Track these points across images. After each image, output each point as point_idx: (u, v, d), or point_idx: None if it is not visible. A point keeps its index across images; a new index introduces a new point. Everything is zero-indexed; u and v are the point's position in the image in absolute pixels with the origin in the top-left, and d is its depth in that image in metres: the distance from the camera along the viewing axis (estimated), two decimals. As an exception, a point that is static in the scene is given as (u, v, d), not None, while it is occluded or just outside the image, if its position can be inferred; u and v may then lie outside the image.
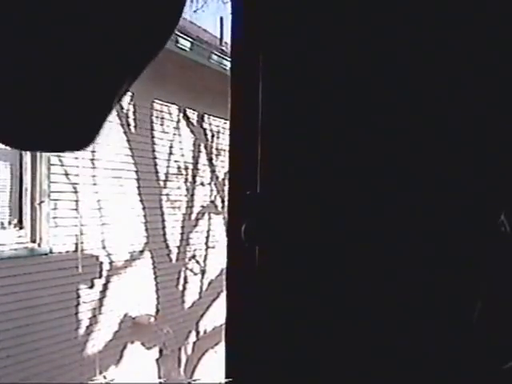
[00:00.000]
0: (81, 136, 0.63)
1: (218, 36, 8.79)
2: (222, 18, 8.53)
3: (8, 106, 0.59)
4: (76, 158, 6.68)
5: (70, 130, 0.62)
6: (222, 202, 9.75)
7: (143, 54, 0.63)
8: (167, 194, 8.60)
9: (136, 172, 7.81)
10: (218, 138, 9.68)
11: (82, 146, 0.65)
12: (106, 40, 0.59)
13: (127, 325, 7.69)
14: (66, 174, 6.66)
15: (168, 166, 8.55)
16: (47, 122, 0.60)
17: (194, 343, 9.24)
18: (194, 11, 9.21)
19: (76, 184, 6.78)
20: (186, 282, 9.04)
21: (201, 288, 9.35)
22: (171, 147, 8.55)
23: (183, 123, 8.82)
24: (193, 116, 9.04)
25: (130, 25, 0.60)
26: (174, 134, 8.61)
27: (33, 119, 0.60)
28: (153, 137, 8.13)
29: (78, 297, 6.88)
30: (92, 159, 6.96)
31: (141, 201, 7.97)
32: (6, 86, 0.58)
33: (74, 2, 0.57)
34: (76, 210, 6.80)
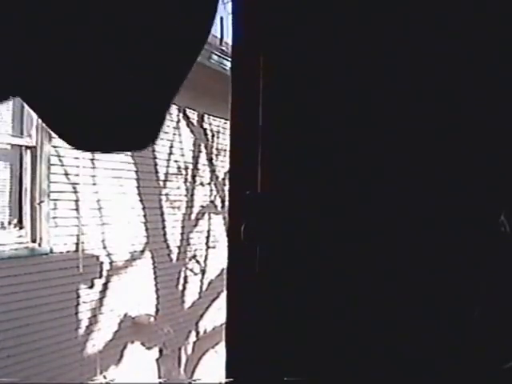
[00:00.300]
0: (145, 136, 0.67)
1: (218, 36, 8.78)
2: (222, 18, 8.51)
3: (77, 114, 0.62)
4: (76, 158, 6.67)
5: (136, 132, 0.65)
6: (222, 202, 9.74)
7: (187, 63, 0.68)
8: (167, 194, 8.60)
9: (136, 172, 7.81)
10: (218, 137, 9.67)
11: (146, 144, 0.70)
12: (161, 56, 0.64)
13: (127, 325, 7.69)
14: (66, 174, 6.66)
15: (168, 166, 8.54)
16: (117, 126, 0.63)
17: (194, 343, 9.23)
18: (194, 11, 9.17)
19: (76, 184, 6.77)
20: (186, 282, 9.04)
21: (201, 288, 9.35)
22: (171, 147, 8.55)
23: (183, 123, 8.82)
24: (193, 116, 9.03)
25: (184, 43, 0.66)
26: (174, 134, 8.61)
27: (105, 125, 0.63)
28: (153, 137, 8.11)
29: (78, 297, 6.88)
30: (92, 159, 6.96)
31: (141, 201, 7.97)
32: (71, 96, 0.61)
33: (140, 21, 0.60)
34: (76, 210, 6.80)
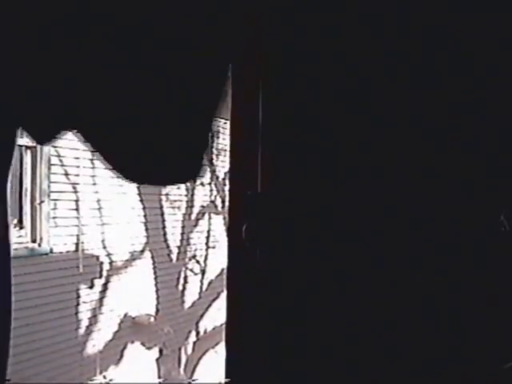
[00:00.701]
0: (193, 169, 0.73)
1: (218, 36, 8.76)
2: (221, 18, 8.49)
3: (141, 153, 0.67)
4: (76, 158, 6.68)
5: (188, 165, 0.72)
6: (222, 202, 9.74)
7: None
8: (167, 194, 8.59)
9: (136, 172, 7.79)
10: (217, 138, 9.67)
11: (194, 176, 0.76)
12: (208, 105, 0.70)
13: (127, 325, 7.69)
14: (66, 174, 6.66)
15: (168, 166, 8.53)
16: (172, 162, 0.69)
17: (194, 343, 9.23)
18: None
19: (76, 184, 6.77)
20: (186, 282, 9.03)
21: (201, 288, 9.35)
22: (171, 147, 8.53)
23: (183, 123, 8.80)
24: (193, 116, 9.02)
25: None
26: (174, 134, 8.59)
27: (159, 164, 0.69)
28: (153, 137, 8.10)
29: (78, 297, 6.87)
30: (92, 159, 6.95)
31: (141, 201, 7.97)
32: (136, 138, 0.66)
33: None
34: (76, 210, 6.80)
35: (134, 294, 7.77)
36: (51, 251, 6.47)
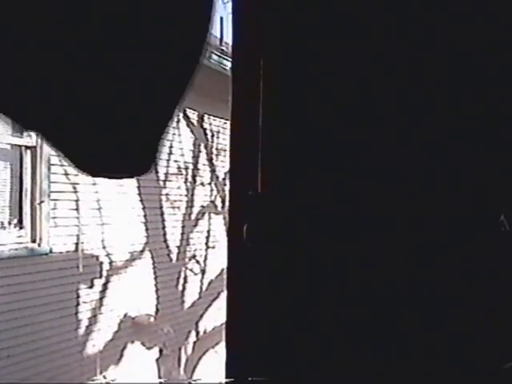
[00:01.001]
0: (142, 162, 0.66)
1: (218, 36, 8.77)
2: (222, 18, 8.50)
3: (79, 140, 0.62)
4: (76, 158, 6.67)
5: (132, 156, 0.65)
6: (222, 202, 9.75)
7: (185, 75, 0.66)
8: (167, 194, 8.60)
9: (136, 172, 7.78)
10: (218, 138, 9.67)
11: (143, 170, 0.68)
12: (157, 69, 0.62)
13: (127, 325, 7.69)
14: (66, 174, 6.66)
15: (168, 166, 8.54)
16: (112, 151, 0.63)
17: (194, 343, 9.24)
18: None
19: (76, 184, 6.78)
20: (185, 282, 9.04)
21: (201, 288, 9.35)
22: (171, 147, 8.55)
23: (183, 123, 8.82)
24: (193, 116, 9.03)
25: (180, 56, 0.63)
26: (174, 134, 8.61)
27: (100, 150, 0.63)
28: (153, 137, 8.09)
29: (78, 297, 6.88)
30: (92, 159, 6.94)
31: (141, 201, 7.97)
32: (72, 121, 0.61)
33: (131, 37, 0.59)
34: (76, 210, 6.80)
35: (134, 294, 7.77)
36: (51, 251, 6.47)
